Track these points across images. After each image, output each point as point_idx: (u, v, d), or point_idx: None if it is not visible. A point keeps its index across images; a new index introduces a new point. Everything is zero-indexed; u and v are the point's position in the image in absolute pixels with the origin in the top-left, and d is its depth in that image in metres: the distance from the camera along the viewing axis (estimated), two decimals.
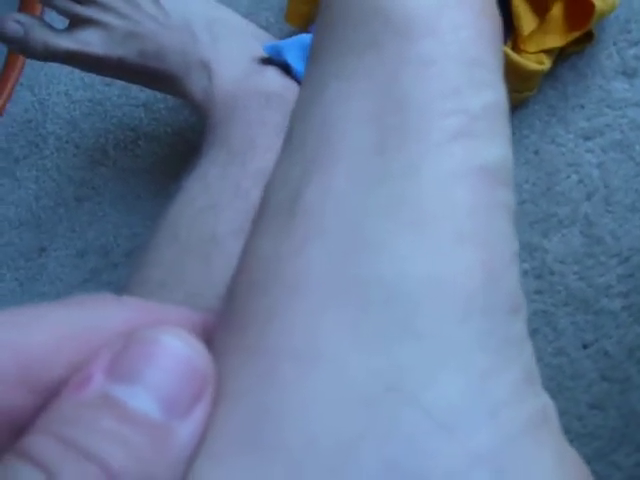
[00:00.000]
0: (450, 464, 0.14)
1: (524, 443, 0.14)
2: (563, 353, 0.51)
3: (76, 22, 0.52)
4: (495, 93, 0.18)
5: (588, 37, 0.52)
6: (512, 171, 0.17)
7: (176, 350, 0.15)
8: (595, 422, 0.50)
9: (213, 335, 0.17)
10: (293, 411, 0.14)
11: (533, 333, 0.51)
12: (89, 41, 0.51)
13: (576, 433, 0.49)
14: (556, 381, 0.50)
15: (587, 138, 0.52)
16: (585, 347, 0.50)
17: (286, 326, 0.15)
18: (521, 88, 0.52)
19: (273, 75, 0.50)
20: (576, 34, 0.49)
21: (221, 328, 0.17)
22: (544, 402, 0.16)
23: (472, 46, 0.18)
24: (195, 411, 0.15)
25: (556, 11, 0.50)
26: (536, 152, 0.53)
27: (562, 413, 0.16)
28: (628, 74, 0.52)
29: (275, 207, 0.17)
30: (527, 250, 0.52)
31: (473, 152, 0.17)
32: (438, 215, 0.16)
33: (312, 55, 0.20)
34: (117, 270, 0.61)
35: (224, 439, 0.15)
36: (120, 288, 0.61)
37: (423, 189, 0.16)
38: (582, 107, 0.52)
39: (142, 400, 0.14)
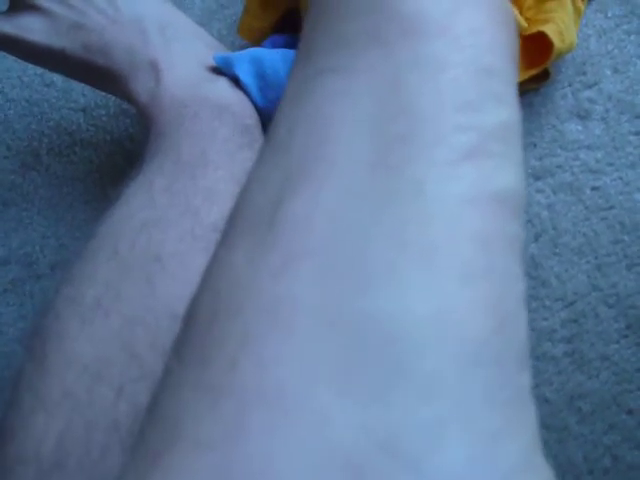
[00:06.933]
0: None
1: None
2: None
3: (18, 6, 0.48)
4: (511, 110, 0.15)
5: (544, 76, 0.51)
6: (525, 201, 0.15)
7: None
8: None
9: (166, 364, 0.14)
10: (260, 475, 0.12)
11: None
12: (30, 28, 0.48)
13: None
14: None
15: (538, 178, 0.51)
16: None
17: (259, 363, 0.12)
18: None
19: (225, 86, 0.47)
20: (533, 71, 0.49)
21: (176, 358, 0.14)
22: (549, 474, 0.14)
23: (489, 54, 0.15)
24: None
25: None
26: None
27: None
28: (582, 116, 0.51)
29: (251, 216, 0.15)
30: None
31: (485, 176, 0.14)
32: (445, 246, 0.13)
33: (301, 49, 0.17)
34: (40, 282, 0.57)
35: None
36: (43, 301, 0.57)
37: (429, 214, 0.14)
38: (535, 146, 0.52)
39: None
